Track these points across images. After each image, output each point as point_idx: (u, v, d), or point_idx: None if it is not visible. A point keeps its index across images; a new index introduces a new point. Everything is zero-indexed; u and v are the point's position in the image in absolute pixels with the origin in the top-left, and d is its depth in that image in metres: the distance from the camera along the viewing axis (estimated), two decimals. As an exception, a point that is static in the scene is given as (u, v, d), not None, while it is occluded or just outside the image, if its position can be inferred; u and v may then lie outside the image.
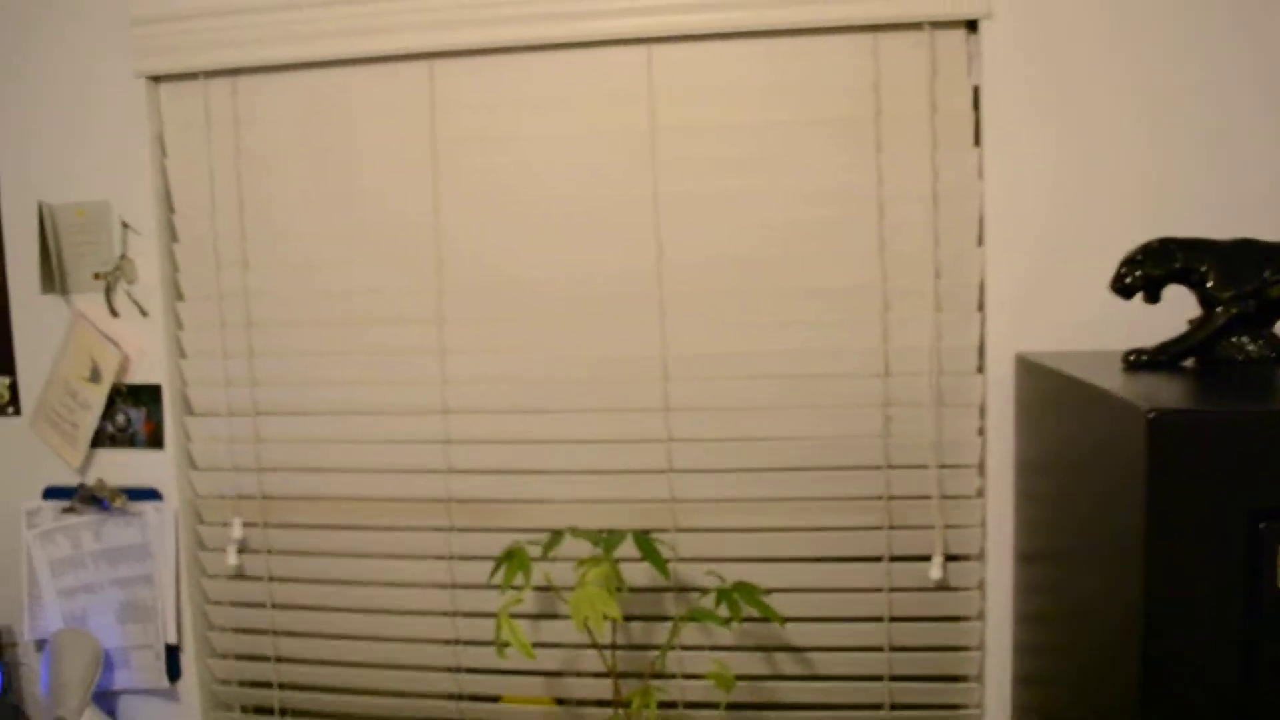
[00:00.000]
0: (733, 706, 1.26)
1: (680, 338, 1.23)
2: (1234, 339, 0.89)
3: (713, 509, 1.24)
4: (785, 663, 1.24)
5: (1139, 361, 0.89)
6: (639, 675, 1.27)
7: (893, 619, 1.21)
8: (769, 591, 1.23)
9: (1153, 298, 0.91)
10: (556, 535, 1.12)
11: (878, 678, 1.22)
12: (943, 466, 1.18)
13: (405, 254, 1.30)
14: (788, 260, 1.21)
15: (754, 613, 1.17)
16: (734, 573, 1.24)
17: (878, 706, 1.22)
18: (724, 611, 1.16)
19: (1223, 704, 0.65)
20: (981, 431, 1.17)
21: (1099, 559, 0.76)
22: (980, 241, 1.16)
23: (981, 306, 1.17)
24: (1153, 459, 0.65)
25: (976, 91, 1.15)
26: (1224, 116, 1.09)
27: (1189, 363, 0.89)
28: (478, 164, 1.27)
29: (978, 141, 1.15)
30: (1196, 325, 0.89)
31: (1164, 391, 0.70)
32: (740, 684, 1.25)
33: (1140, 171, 1.11)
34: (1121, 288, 0.91)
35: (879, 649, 1.21)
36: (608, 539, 1.10)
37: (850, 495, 1.21)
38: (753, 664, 1.25)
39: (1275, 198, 1.08)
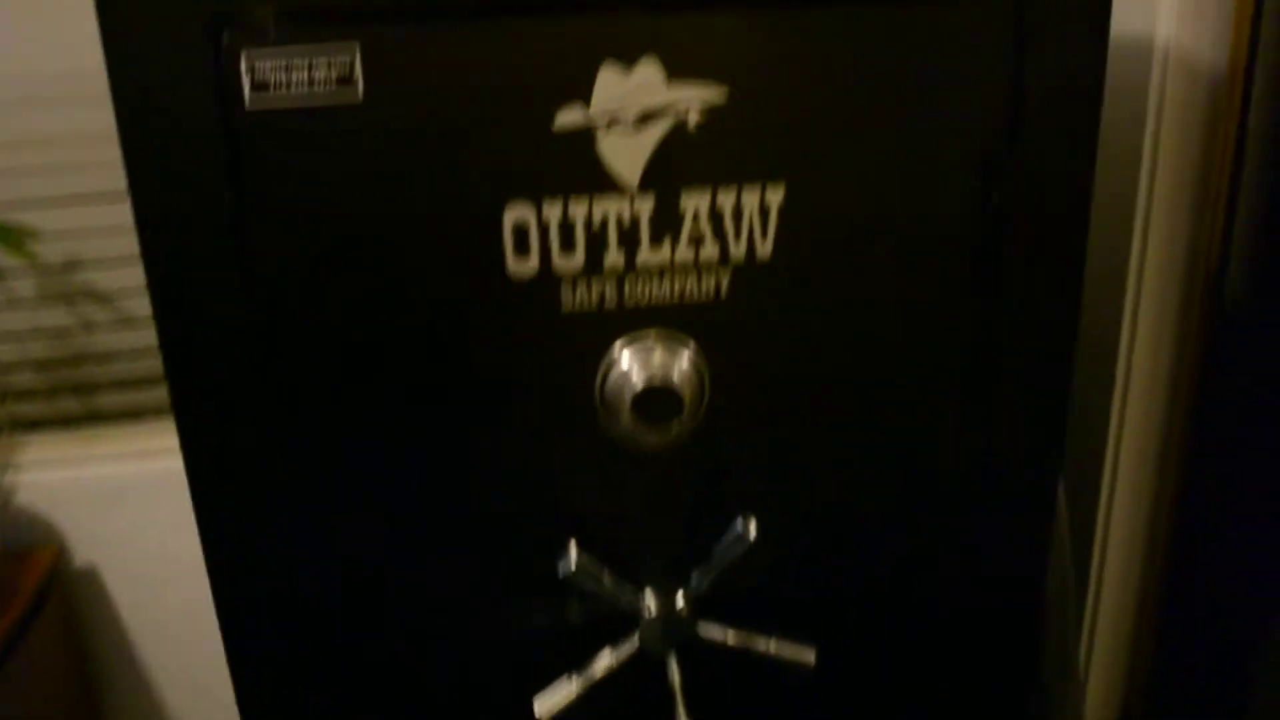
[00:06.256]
0: (43, 364, 1.21)
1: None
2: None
3: None
4: (97, 313, 1.20)
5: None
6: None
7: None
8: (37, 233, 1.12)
9: None
10: None
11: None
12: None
13: None
14: None
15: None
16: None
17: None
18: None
19: (218, 246, 0.62)
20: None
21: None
22: None
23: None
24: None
25: None
26: None
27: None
28: None
29: None
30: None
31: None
32: (48, 340, 1.18)
33: None
34: None
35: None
36: None
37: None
38: (57, 318, 1.18)
39: None
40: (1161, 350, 0.95)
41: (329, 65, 0.60)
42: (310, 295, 0.63)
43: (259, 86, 0.60)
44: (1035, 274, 0.68)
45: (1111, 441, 0.96)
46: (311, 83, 0.60)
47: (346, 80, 0.60)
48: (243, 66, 0.59)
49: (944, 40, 0.64)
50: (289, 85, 0.60)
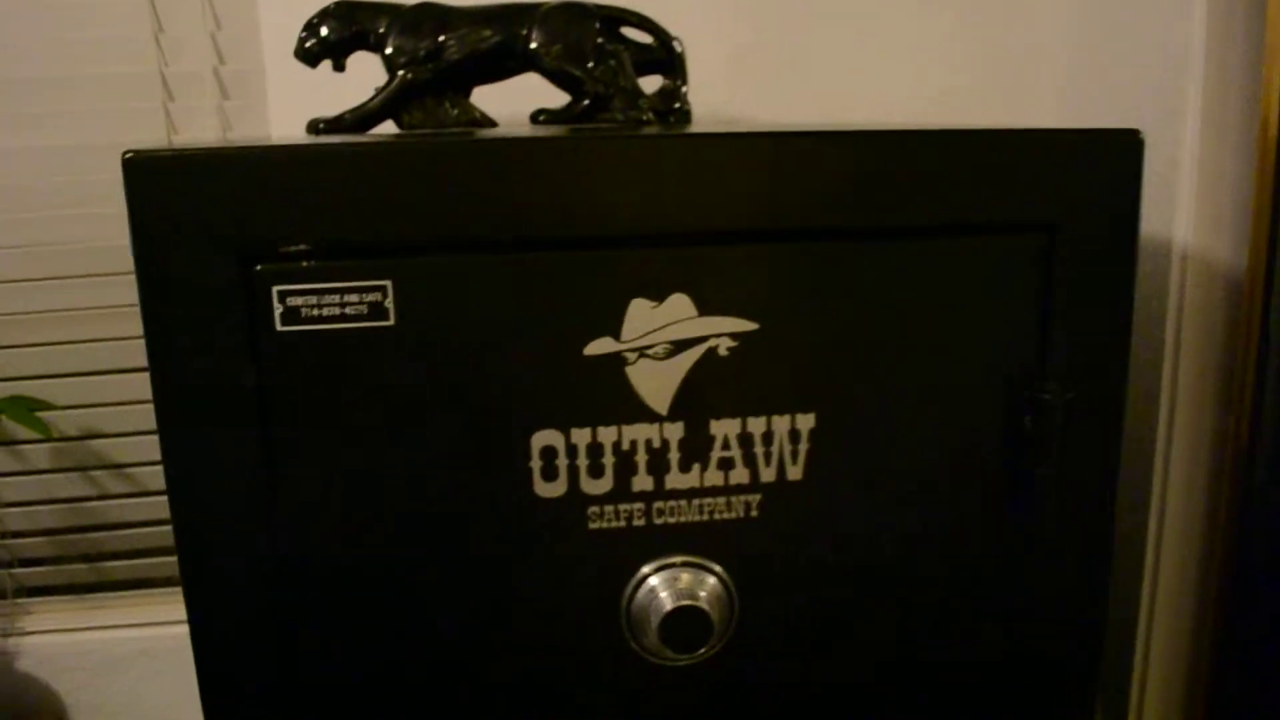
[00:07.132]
0: (54, 531, 1.20)
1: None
2: (428, 105, 0.88)
3: None
4: (110, 481, 1.19)
5: (322, 129, 0.86)
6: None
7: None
8: (70, 408, 1.13)
9: (338, 65, 0.87)
10: None
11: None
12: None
13: None
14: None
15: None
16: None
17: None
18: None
19: (241, 452, 0.64)
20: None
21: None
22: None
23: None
24: (134, 203, 0.60)
25: None
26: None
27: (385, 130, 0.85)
28: None
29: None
30: (378, 91, 0.86)
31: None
32: (59, 506, 1.17)
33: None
34: (303, 53, 0.85)
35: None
36: None
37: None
38: (72, 486, 1.17)
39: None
40: (1190, 549, 0.93)
41: (361, 298, 0.60)
42: (327, 495, 0.62)
43: (290, 316, 0.60)
44: (1068, 493, 0.67)
45: (1140, 646, 0.94)
46: (343, 313, 0.60)
47: (379, 310, 0.60)
48: (274, 298, 0.59)
49: (974, 269, 0.64)
50: (320, 314, 0.60)
